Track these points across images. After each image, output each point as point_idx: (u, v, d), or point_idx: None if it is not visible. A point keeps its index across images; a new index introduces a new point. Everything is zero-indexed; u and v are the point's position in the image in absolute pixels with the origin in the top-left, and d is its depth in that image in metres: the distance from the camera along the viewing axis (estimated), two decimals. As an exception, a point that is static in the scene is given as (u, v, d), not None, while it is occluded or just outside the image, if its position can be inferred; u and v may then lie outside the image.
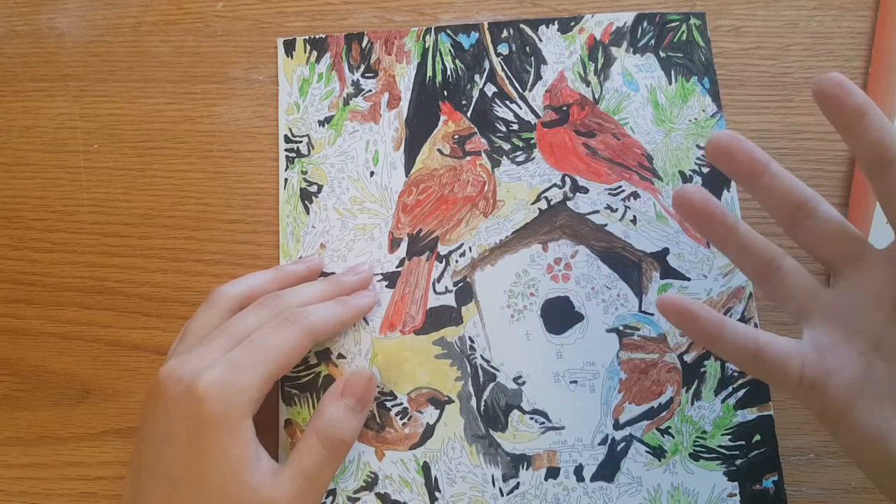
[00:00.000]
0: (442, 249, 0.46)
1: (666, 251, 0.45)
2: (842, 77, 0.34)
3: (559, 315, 0.44)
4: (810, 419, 0.43)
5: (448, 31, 0.49)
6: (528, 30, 0.49)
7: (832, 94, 0.34)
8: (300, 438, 0.39)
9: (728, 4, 0.50)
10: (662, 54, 0.49)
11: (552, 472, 0.42)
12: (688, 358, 0.44)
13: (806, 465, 0.42)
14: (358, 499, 0.42)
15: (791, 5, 0.50)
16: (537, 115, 0.48)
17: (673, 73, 0.48)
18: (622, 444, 0.42)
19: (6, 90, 0.50)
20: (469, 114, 0.48)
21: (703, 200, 0.36)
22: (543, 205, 0.46)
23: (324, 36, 0.49)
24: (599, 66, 0.48)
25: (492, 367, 0.44)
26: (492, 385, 0.43)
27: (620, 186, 0.46)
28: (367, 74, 0.48)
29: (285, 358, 0.38)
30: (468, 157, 0.47)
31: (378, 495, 0.42)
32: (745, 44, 0.49)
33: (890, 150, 0.33)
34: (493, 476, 0.42)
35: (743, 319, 0.44)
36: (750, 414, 0.43)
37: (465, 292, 0.45)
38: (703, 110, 0.48)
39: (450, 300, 0.45)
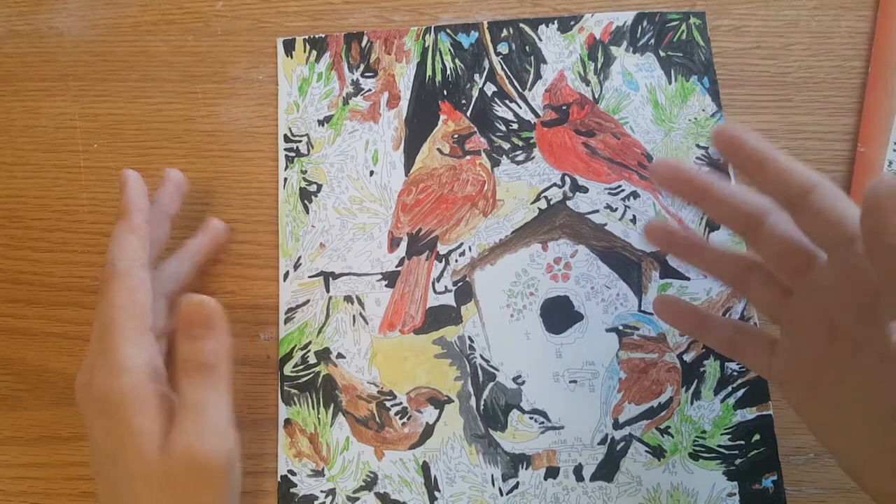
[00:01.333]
0: (441, 249, 0.46)
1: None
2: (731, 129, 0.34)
3: (559, 314, 0.44)
4: (810, 419, 0.43)
5: (448, 31, 0.49)
6: (527, 29, 0.49)
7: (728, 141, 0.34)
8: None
9: (728, 4, 0.50)
10: (662, 54, 0.48)
11: (552, 472, 0.42)
12: (687, 358, 0.44)
13: (805, 464, 0.42)
14: (357, 498, 0.42)
15: (791, 5, 0.50)
16: (537, 115, 0.48)
17: (673, 72, 0.48)
18: (621, 444, 0.42)
19: (6, 90, 0.50)
20: (469, 113, 0.48)
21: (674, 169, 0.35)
22: (543, 204, 0.46)
23: (323, 35, 0.49)
24: (599, 66, 0.48)
25: (491, 366, 0.44)
26: (491, 385, 0.43)
27: (620, 186, 0.46)
28: (366, 74, 0.48)
29: (126, 311, 0.37)
30: (468, 157, 0.47)
31: (377, 495, 0.42)
32: (744, 43, 0.49)
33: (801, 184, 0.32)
34: (492, 476, 0.42)
35: (742, 319, 0.44)
36: (749, 414, 0.43)
37: (465, 292, 0.45)
38: (703, 110, 0.47)
39: (449, 300, 0.45)
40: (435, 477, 0.42)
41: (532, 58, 0.49)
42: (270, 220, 0.47)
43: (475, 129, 0.47)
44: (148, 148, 0.48)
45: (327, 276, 0.45)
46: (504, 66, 0.48)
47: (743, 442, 0.42)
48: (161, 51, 0.50)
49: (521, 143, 0.47)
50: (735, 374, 0.43)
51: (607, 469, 0.42)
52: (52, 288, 0.47)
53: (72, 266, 0.47)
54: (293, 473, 0.42)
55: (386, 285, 0.45)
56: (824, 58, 0.49)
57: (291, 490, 0.42)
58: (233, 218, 0.47)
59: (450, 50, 0.49)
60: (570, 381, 0.43)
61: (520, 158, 0.47)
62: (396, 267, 0.45)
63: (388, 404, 0.43)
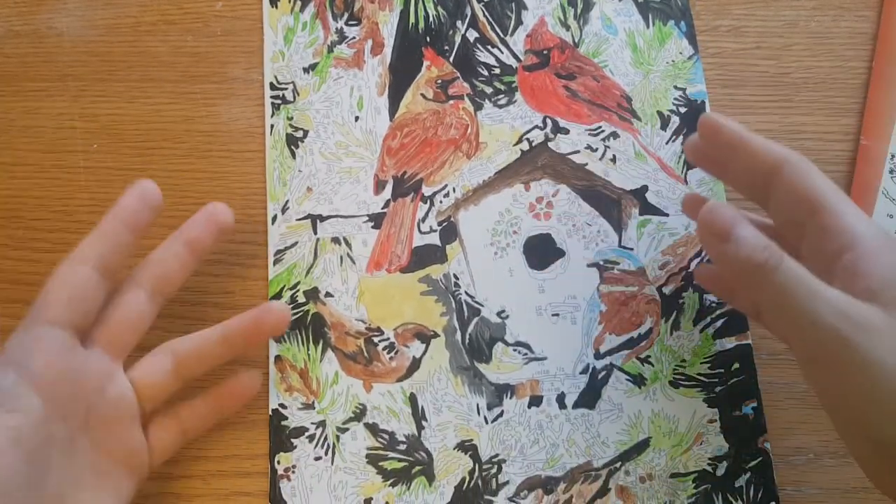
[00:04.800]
0: (426, 190, 0.47)
1: (645, 188, 0.46)
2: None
3: (541, 251, 0.46)
4: (808, 419, 0.43)
5: (429, -21, 0.50)
6: (508, -24, 0.50)
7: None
8: None
9: (728, 4, 0.50)
10: (640, -1, 0.50)
11: (535, 401, 0.43)
12: (667, 290, 0.45)
13: (805, 465, 0.43)
14: (347, 429, 0.43)
15: (790, 5, 0.50)
16: (518, 59, 0.49)
17: (650, 16, 0.49)
18: (603, 373, 0.43)
19: (5, 90, 0.50)
20: (451, 59, 0.49)
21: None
22: (525, 146, 0.47)
23: (307, -14, 0.50)
24: (579, 11, 0.49)
25: (476, 302, 0.45)
26: (476, 319, 0.44)
27: (600, 127, 0.47)
28: (350, 22, 0.49)
29: None
30: (451, 101, 0.48)
31: (367, 425, 0.43)
32: (744, 44, 0.49)
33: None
34: (477, 405, 0.43)
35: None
36: (728, 343, 0.44)
37: (450, 231, 0.46)
38: (681, 53, 0.48)
39: (434, 239, 0.46)
40: (422, 407, 0.43)
41: (513, 4, 0.49)
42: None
43: (458, 74, 0.48)
44: (147, 148, 0.48)
45: (315, 219, 0.46)
46: (486, 13, 0.49)
47: (723, 370, 0.43)
48: (160, 51, 0.50)
49: (503, 88, 0.48)
50: (714, 304, 0.44)
51: (589, 397, 0.43)
52: (52, 288, 0.47)
53: (72, 267, 0.47)
54: (284, 407, 0.43)
55: (372, 226, 0.46)
56: (824, 58, 0.49)
57: (282, 423, 0.43)
58: (233, 218, 0.47)
59: (432, -2, 0.50)
60: (553, 315, 0.44)
61: (502, 102, 0.48)
62: (382, 209, 0.46)
63: (375, 340, 0.44)
